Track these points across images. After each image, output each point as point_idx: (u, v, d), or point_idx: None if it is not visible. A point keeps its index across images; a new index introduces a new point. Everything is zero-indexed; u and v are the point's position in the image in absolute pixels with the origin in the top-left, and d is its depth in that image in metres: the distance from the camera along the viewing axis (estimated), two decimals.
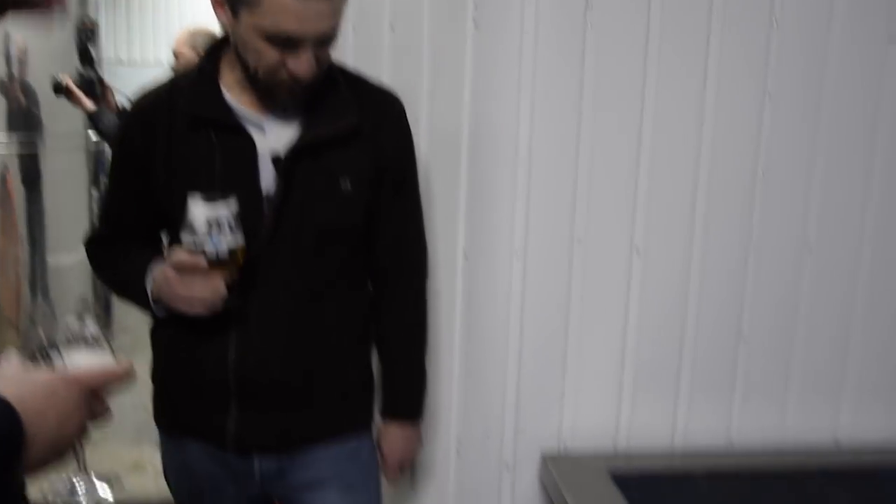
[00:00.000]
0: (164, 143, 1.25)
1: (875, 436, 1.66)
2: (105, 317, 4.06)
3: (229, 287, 1.19)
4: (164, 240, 1.35)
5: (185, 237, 1.16)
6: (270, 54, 1.15)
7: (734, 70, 1.50)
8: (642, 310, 1.55)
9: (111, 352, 0.90)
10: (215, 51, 1.28)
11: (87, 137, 3.49)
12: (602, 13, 1.46)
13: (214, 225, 1.14)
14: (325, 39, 1.17)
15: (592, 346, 1.56)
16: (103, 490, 3.05)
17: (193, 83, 1.27)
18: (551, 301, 1.53)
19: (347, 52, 1.57)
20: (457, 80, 1.51)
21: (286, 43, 1.13)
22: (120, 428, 3.41)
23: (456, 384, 1.60)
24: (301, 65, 1.16)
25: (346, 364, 1.35)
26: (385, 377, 1.42)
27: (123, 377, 0.83)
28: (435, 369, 1.57)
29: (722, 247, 1.55)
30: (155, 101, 1.29)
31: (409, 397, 1.43)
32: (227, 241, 1.15)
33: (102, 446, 3.26)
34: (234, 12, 1.15)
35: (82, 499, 2.98)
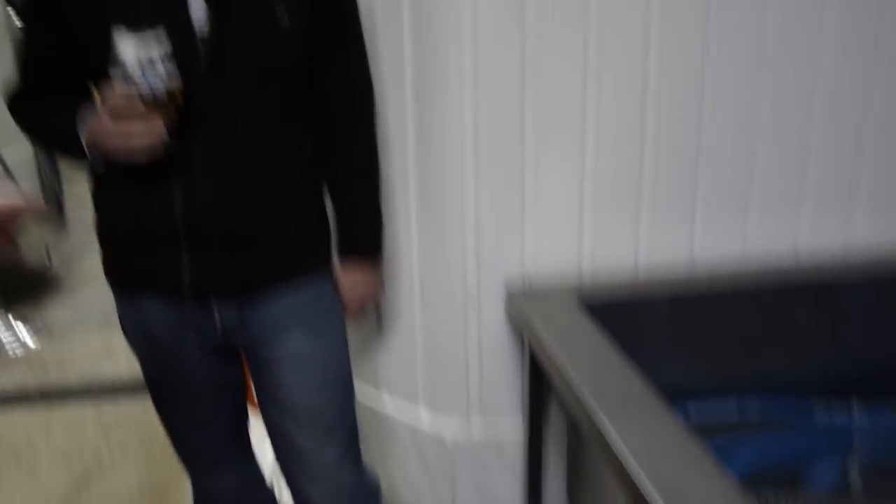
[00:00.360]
0: None
1: (833, 248, 1.68)
2: (58, 215, 3.98)
3: (169, 130, 1.13)
4: (93, 88, 1.27)
5: (116, 76, 1.09)
6: None
7: None
8: (599, 132, 1.51)
9: (17, 187, 0.85)
10: None
11: (9, 17, 3.29)
12: None
13: (147, 64, 1.07)
14: None
15: (550, 172, 1.52)
16: (22, 333, 3.07)
17: None
18: (506, 130, 1.49)
19: None
20: None
21: None
22: (87, 316, 3.42)
23: (414, 224, 1.57)
24: None
25: (298, 206, 1.30)
26: (339, 218, 1.39)
27: (27, 210, 0.78)
28: (392, 211, 1.55)
29: (678, 62, 1.50)
30: None
31: (364, 235, 1.41)
32: (163, 80, 1.08)
33: (71, 335, 3.26)
34: None
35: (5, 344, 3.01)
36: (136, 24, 1.08)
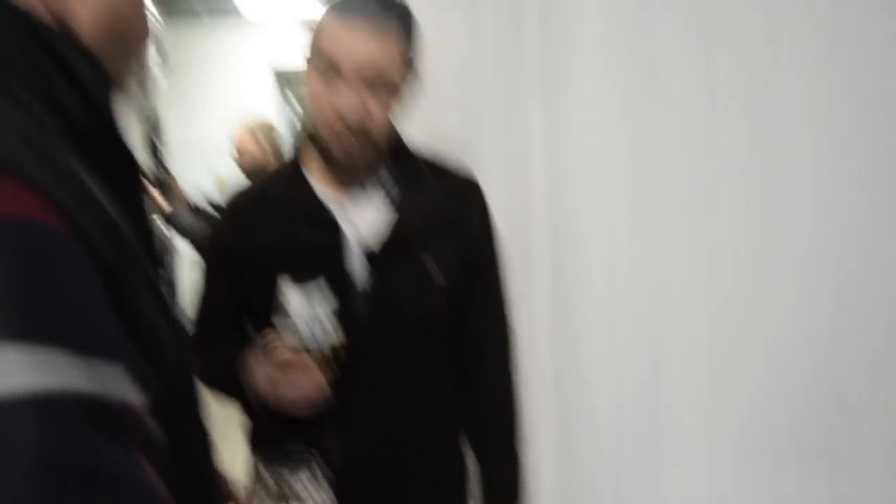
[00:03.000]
0: (254, 236, 1.25)
1: None
2: None
3: (331, 384, 1.16)
4: (251, 328, 1.31)
5: (283, 327, 1.14)
6: (318, 89, 1.16)
7: None
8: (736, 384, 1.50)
9: None
10: (298, 142, 1.31)
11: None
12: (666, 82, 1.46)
13: (314, 320, 1.12)
14: (374, 80, 1.15)
15: (685, 416, 1.51)
16: None
17: (279, 173, 1.31)
18: (639, 371, 1.50)
19: None
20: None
21: (328, 69, 1.14)
22: None
23: (551, 462, 1.55)
24: (342, 98, 1.15)
25: (442, 456, 1.32)
26: (479, 465, 1.37)
27: None
28: (531, 447, 1.52)
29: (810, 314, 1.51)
30: (244, 198, 1.31)
31: (504, 484, 1.37)
32: (329, 336, 1.13)
33: None
34: (307, 62, 1.20)
35: None
36: (300, 275, 1.14)
